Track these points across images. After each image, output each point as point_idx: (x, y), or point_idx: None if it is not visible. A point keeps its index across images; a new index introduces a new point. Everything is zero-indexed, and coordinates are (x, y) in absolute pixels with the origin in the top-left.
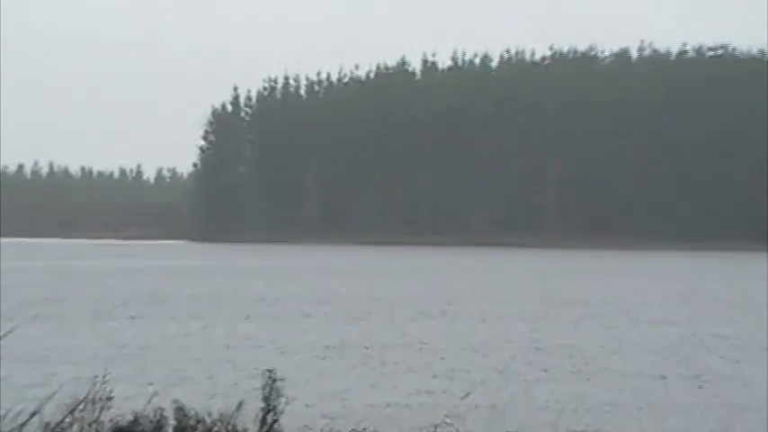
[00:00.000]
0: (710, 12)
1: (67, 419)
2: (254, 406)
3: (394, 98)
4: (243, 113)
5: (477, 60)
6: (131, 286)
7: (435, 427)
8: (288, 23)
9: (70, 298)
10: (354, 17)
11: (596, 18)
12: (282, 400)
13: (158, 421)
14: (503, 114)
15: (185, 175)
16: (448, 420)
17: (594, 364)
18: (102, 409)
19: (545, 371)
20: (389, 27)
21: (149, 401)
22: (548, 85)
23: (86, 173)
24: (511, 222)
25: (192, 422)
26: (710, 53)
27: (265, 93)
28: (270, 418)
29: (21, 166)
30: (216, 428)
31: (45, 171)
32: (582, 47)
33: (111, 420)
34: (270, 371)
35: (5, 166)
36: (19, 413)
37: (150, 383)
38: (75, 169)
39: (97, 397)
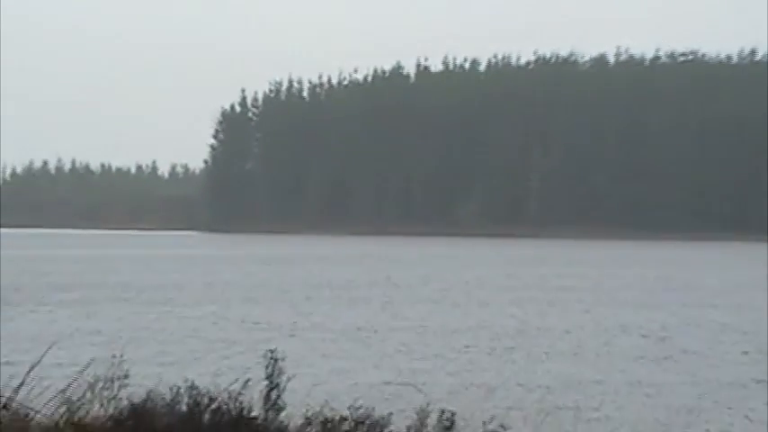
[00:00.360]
0: (682, 20)
1: (88, 396)
2: (262, 383)
3: (390, 100)
4: (250, 114)
5: (467, 65)
6: (149, 273)
7: (428, 405)
8: (290, 29)
9: (93, 284)
10: (353, 25)
11: (577, 25)
12: (284, 377)
13: (172, 398)
14: (490, 114)
15: (197, 171)
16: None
17: (578, 346)
18: (119, 386)
19: (533, 352)
20: (386, 34)
21: (159, 380)
22: (532, 87)
23: (106, 168)
24: (497, 214)
25: (203, 399)
26: (681, 58)
27: (271, 94)
28: (273, 395)
29: (45, 163)
30: (225, 404)
31: (68, 167)
32: (563, 52)
33: (127, 397)
34: (271, 351)
35: (31, 162)
36: (44, 389)
37: (167, 363)
38: (95, 165)
39: (115, 375)
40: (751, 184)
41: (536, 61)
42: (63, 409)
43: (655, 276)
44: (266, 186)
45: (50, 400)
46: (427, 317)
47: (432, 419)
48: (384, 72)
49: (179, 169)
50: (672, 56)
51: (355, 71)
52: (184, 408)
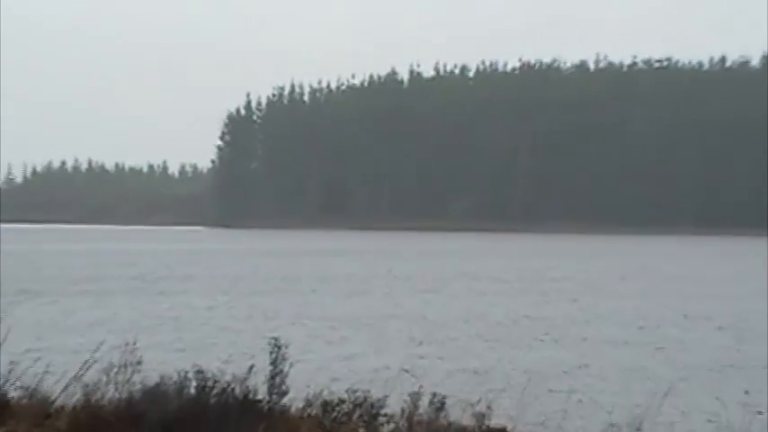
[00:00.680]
0: (658, 29)
1: (103, 380)
2: (267, 369)
3: (385, 103)
4: (254, 117)
5: (457, 71)
6: (161, 266)
7: (420, 387)
8: (290, 30)
9: (109, 276)
10: (352, 33)
11: (560, 34)
12: (287, 363)
13: (181, 382)
14: (479, 117)
15: (205, 170)
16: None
17: (566, 333)
18: (133, 371)
19: (523, 339)
20: (381, 42)
21: (171, 366)
22: (518, 91)
23: (119, 168)
24: (486, 210)
25: (210, 383)
26: (657, 65)
27: (274, 99)
28: (277, 380)
29: (63, 162)
30: (230, 388)
31: (84, 167)
32: (547, 59)
33: (140, 382)
34: (275, 338)
35: (50, 162)
36: (63, 375)
37: (178, 350)
38: (109, 165)
39: (129, 361)
40: (723, 182)
41: (521, 67)
42: (80, 393)
43: (635, 268)
44: (269, 185)
45: (68, 384)
46: (424, 307)
47: (424, 402)
48: (380, 77)
49: (188, 168)
50: (648, 62)
51: (353, 77)
52: (193, 391)
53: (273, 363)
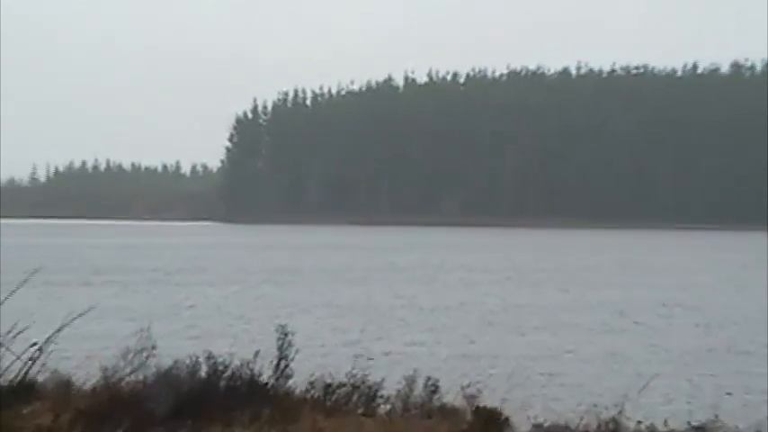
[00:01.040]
0: (635, 39)
1: (121, 364)
2: (273, 354)
3: (382, 107)
4: (261, 120)
5: (449, 77)
6: (176, 259)
7: (414, 371)
8: (297, 45)
9: (128, 268)
10: (352, 42)
11: (544, 42)
12: (292, 348)
13: (193, 366)
14: (469, 120)
15: (214, 169)
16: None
17: (555, 321)
18: (148, 356)
19: (513, 326)
20: (378, 50)
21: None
22: (505, 96)
23: (135, 167)
24: (476, 206)
25: (220, 367)
26: (634, 71)
27: (279, 103)
28: (282, 364)
29: (83, 162)
30: (238, 372)
31: (103, 166)
32: (532, 66)
33: (155, 365)
34: (282, 326)
35: (71, 162)
36: (85, 358)
37: (192, 336)
38: (126, 164)
39: (146, 346)
40: (696, 179)
41: (508, 74)
42: (99, 375)
43: (617, 260)
44: (274, 183)
45: (89, 367)
46: (422, 296)
47: (418, 385)
48: (377, 83)
49: (199, 168)
50: (626, 69)
51: (352, 82)
52: (203, 375)
53: (280, 349)
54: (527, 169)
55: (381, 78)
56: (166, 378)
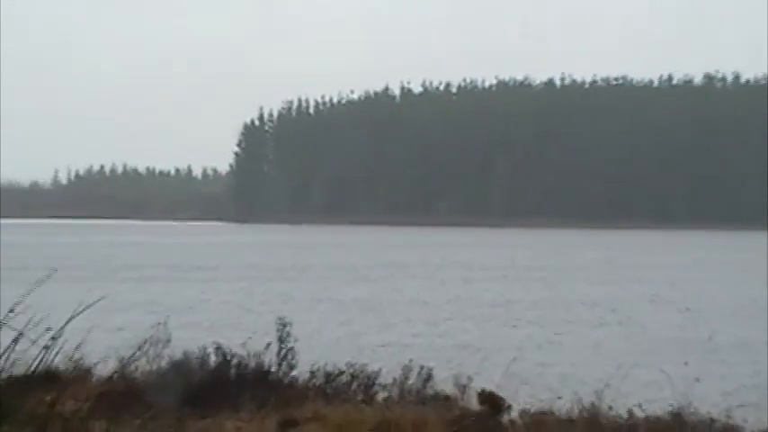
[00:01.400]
0: (615, 52)
1: (137, 354)
2: (278, 345)
3: (380, 115)
4: (267, 127)
5: (442, 87)
6: (189, 256)
7: (410, 360)
8: (301, 58)
9: (146, 265)
10: (351, 55)
11: (531, 55)
12: (293, 340)
13: (203, 357)
14: (461, 127)
15: (224, 173)
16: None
17: (545, 314)
18: (162, 347)
19: (506, 319)
20: (377, 62)
21: (196, 342)
22: (494, 104)
23: (150, 171)
24: (467, 207)
25: (228, 357)
26: (614, 82)
27: (284, 111)
28: (286, 354)
29: (102, 166)
30: (246, 362)
31: (120, 170)
32: (519, 77)
33: (169, 356)
34: (281, 318)
35: (91, 166)
36: (103, 350)
37: (204, 328)
38: (142, 168)
39: (160, 338)
40: (673, 181)
41: (497, 84)
42: (117, 365)
43: (603, 258)
44: (280, 185)
45: (107, 357)
46: (421, 291)
47: (414, 373)
48: (375, 93)
49: (209, 171)
50: (606, 80)
51: (352, 92)
52: (213, 365)
53: (280, 339)
54: (515, 173)
55: (379, 88)
56: (178, 368)
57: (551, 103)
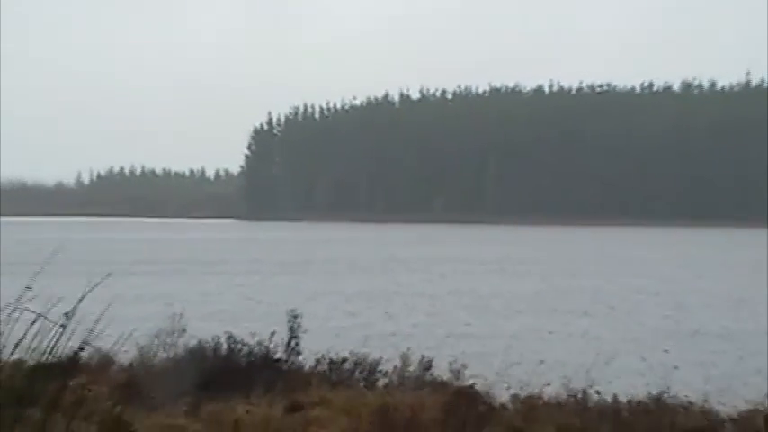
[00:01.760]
0: (599, 60)
1: (155, 343)
2: (285, 334)
3: (380, 120)
4: (275, 131)
5: (438, 93)
6: (204, 252)
7: (408, 349)
8: (307, 66)
9: (162, 260)
10: (353, 63)
11: (521, 63)
12: (302, 329)
13: (216, 345)
14: (457, 130)
15: (235, 174)
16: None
17: (538, 305)
18: (178, 336)
19: (502, 310)
20: (378, 70)
21: (209, 332)
22: (487, 109)
23: (166, 172)
24: (463, 205)
25: (239, 346)
26: (599, 89)
27: (291, 116)
28: (293, 343)
29: (121, 168)
30: (256, 350)
31: (138, 171)
32: (510, 84)
33: (184, 344)
34: (292, 310)
35: (111, 167)
36: (124, 338)
37: (217, 319)
38: (158, 170)
39: (176, 328)
40: (653, 181)
41: (490, 91)
42: (135, 352)
43: (590, 252)
44: (287, 185)
45: (127, 346)
46: (421, 284)
47: (413, 361)
48: (376, 99)
49: (222, 173)
50: (591, 87)
51: (354, 98)
52: (225, 352)
53: (290, 329)
54: (507, 173)
55: (380, 95)
56: (193, 355)
57: (540, 109)
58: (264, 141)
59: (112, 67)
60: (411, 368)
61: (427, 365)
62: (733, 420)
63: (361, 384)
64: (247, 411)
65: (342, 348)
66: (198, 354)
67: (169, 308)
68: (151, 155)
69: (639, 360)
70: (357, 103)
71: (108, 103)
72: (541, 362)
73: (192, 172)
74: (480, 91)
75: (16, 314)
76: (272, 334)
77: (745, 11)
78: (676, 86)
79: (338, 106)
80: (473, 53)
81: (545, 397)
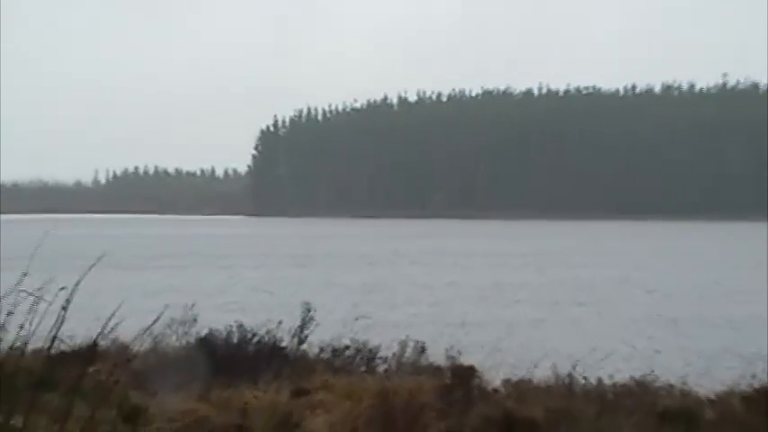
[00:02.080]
0: (587, 64)
1: (168, 332)
2: (291, 324)
3: (380, 121)
4: (280, 132)
5: (434, 96)
6: (215, 246)
7: (406, 337)
8: (310, 70)
9: (176, 254)
10: (354, 69)
11: (512, 67)
12: (313, 323)
13: (226, 334)
14: (451, 130)
15: (243, 173)
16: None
17: (532, 296)
18: (190, 325)
19: (500, 300)
20: (377, 74)
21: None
22: (480, 111)
23: (178, 172)
24: (456, 201)
25: (248, 335)
26: (584, 91)
27: (295, 118)
28: (299, 332)
29: (136, 168)
30: (264, 339)
31: (152, 171)
32: (502, 87)
33: (195, 333)
34: (306, 302)
35: (126, 168)
36: (138, 327)
37: (227, 309)
38: (171, 169)
39: (188, 318)
40: (634, 177)
41: (482, 93)
42: (150, 341)
43: (577, 245)
44: (292, 183)
45: (141, 334)
46: (423, 276)
47: (410, 347)
48: (375, 101)
49: (230, 172)
50: (578, 89)
51: (355, 101)
52: (235, 341)
53: (303, 320)
54: (498, 171)
55: (379, 98)
56: (205, 344)
57: (530, 110)
58: (270, 142)
59: (129, 76)
60: (407, 355)
61: (421, 350)
62: (711, 401)
63: (362, 370)
64: (255, 396)
65: (348, 336)
66: (209, 342)
67: (182, 299)
68: (164, 156)
69: (625, 346)
70: (357, 105)
71: (123, 108)
72: (531, 348)
73: (202, 171)
74: (473, 94)
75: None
76: (279, 323)
77: (722, 15)
78: (657, 88)
79: (340, 109)
80: (467, 59)
81: (535, 381)
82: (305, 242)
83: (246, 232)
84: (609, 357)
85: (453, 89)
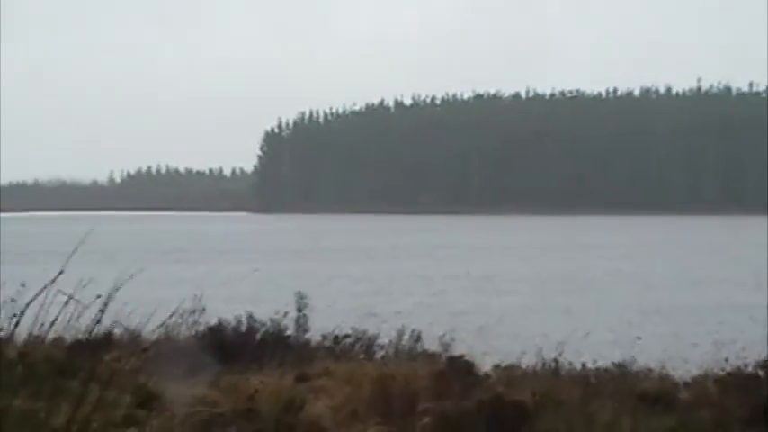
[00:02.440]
0: (574, 68)
1: (179, 321)
2: (296, 314)
3: (377, 123)
4: (284, 134)
5: (428, 100)
6: (223, 242)
7: (402, 326)
8: (310, 75)
9: (187, 248)
10: (354, 74)
11: (501, 72)
12: (309, 309)
13: (236, 323)
14: (443, 132)
15: (249, 172)
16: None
17: (523, 285)
18: (199, 315)
19: (494, 289)
20: (374, 79)
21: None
22: (471, 113)
23: (188, 171)
24: (448, 198)
25: (254, 324)
26: (569, 95)
27: (298, 121)
28: (301, 321)
29: (149, 167)
30: (269, 328)
31: (164, 170)
32: (492, 90)
33: (205, 323)
34: (299, 292)
35: (139, 167)
36: (150, 317)
37: (234, 300)
38: (181, 169)
39: (197, 308)
40: (616, 175)
41: (474, 97)
42: (161, 329)
43: (563, 238)
44: (295, 182)
45: (154, 324)
46: (422, 268)
47: (406, 335)
48: (373, 105)
49: (237, 171)
50: (563, 93)
51: (354, 104)
52: (243, 329)
53: (298, 309)
54: (488, 170)
55: (377, 101)
56: (213, 333)
57: (517, 112)
58: (275, 143)
59: (142, 83)
60: (403, 342)
61: (417, 338)
62: (686, 384)
63: (361, 357)
64: (261, 382)
65: (346, 326)
66: (218, 331)
67: (192, 290)
68: (175, 156)
69: (608, 332)
70: (357, 108)
71: (137, 112)
72: (521, 335)
73: (211, 171)
74: (465, 97)
75: (54, 297)
76: (285, 314)
77: (700, 20)
78: (636, 92)
79: (340, 112)
80: (459, 65)
81: (523, 366)
82: (308, 237)
83: (253, 228)
84: (593, 343)
85: (446, 93)
